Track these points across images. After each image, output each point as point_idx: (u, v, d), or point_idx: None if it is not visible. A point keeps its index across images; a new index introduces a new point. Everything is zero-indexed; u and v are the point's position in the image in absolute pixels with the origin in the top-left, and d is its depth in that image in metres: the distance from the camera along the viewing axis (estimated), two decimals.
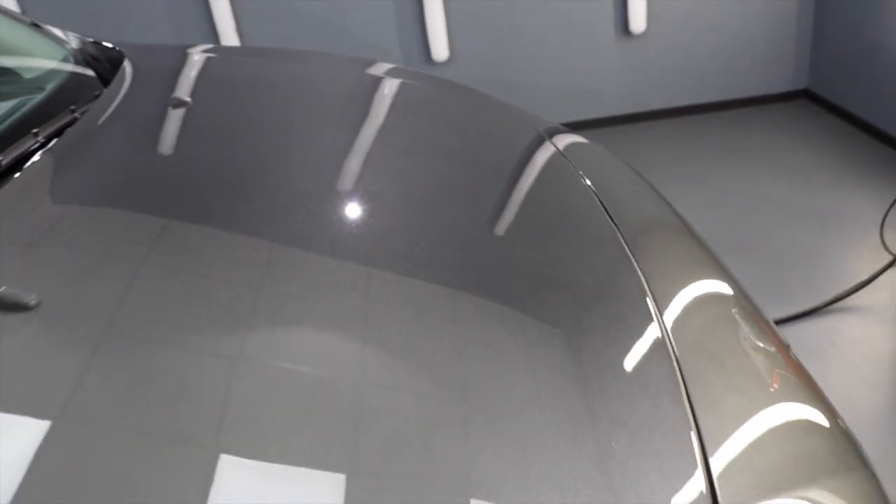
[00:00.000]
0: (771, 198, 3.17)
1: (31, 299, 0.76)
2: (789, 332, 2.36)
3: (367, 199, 1.08)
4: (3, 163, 0.99)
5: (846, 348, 2.28)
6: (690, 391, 0.83)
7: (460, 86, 1.74)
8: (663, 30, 3.83)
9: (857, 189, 3.11)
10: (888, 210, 2.61)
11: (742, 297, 1.12)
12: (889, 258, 2.51)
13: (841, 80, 3.77)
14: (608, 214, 1.20)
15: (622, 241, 1.13)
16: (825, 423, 0.90)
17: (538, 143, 1.47)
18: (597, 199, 1.25)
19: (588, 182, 1.31)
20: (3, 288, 0.77)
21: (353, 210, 1.04)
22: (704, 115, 4.03)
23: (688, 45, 3.90)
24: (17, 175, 0.99)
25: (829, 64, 3.85)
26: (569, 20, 3.77)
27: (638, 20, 3.76)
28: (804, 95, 4.07)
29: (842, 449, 0.87)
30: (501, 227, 1.11)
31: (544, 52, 3.81)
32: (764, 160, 3.49)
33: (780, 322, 2.40)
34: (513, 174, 1.32)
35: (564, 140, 1.53)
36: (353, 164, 1.18)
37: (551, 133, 1.55)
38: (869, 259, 2.60)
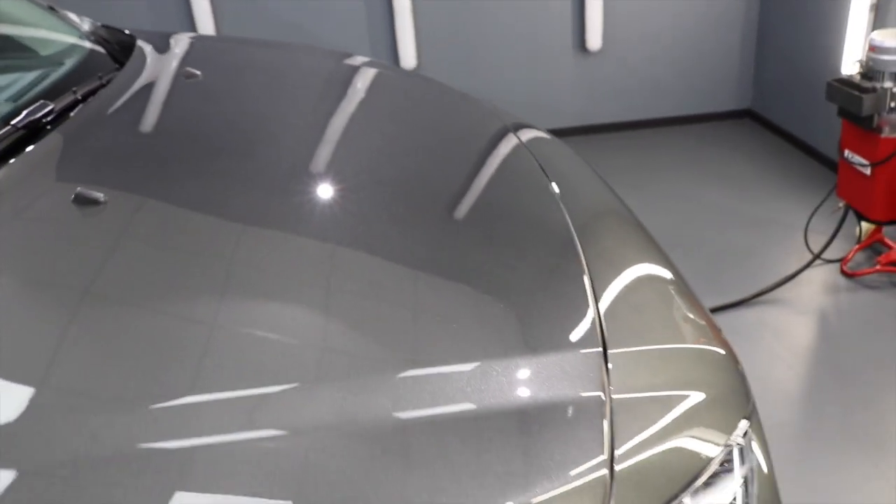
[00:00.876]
0: (712, 204, 3.44)
1: (101, 196, 0.98)
2: (720, 320, 2.60)
3: (335, 171, 1.25)
4: (51, 112, 1.18)
5: (769, 334, 2.54)
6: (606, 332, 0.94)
7: (434, 81, 1.95)
8: (618, 49, 4.11)
9: (788, 198, 3.41)
10: (811, 216, 2.89)
11: (680, 280, 1.19)
12: (810, 257, 2.79)
13: (780, 102, 4.09)
14: (560, 200, 1.30)
15: (570, 225, 1.21)
16: (729, 361, 1.06)
17: (503, 134, 1.58)
18: (552, 187, 1.34)
19: (545, 172, 1.41)
20: (80, 188, 0.99)
21: (321, 179, 1.21)
22: (655, 129, 4.32)
23: (640, 63, 4.18)
24: (61, 125, 1.18)
25: (770, 87, 4.17)
26: (530, 37, 4.03)
27: (594, 39, 4.03)
28: (747, 115, 4.38)
29: (736, 382, 1.02)
30: (460, 208, 1.22)
31: (507, 64, 4.06)
32: (708, 171, 3.78)
33: (712, 310, 2.65)
34: (475, 160, 1.43)
35: (528, 134, 1.62)
36: (328, 138, 1.35)
37: (517, 127, 1.64)
38: (794, 258, 2.88)
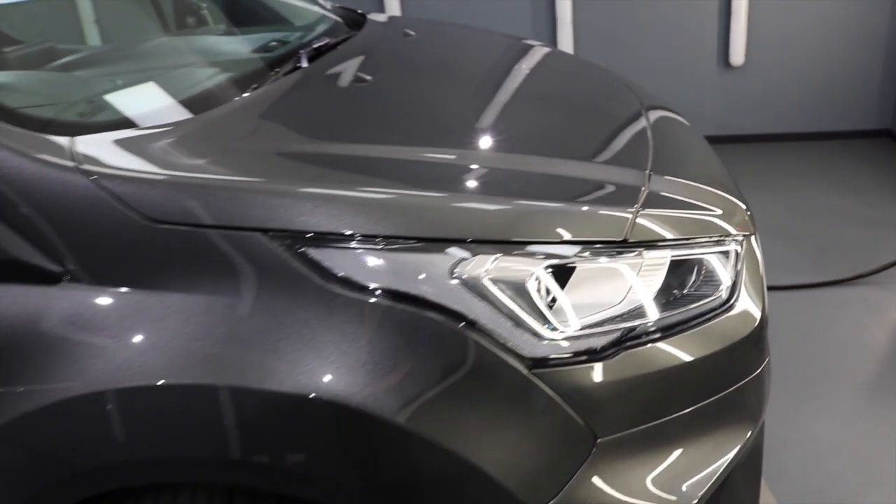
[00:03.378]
0: (833, 207, 3.75)
1: (368, 77, 1.63)
2: (819, 295, 2.97)
3: (493, 122, 1.74)
4: (315, 50, 1.82)
5: (862, 308, 2.87)
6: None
7: (590, 62, 2.45)
8: (760, 65, 4.47)
9: None
10: None
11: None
12: None
13: None
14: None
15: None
16: (741, 207, 1.44)
17: (633, 109, 1.87)
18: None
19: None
20: (357, 73, 1.64)
21: (483, 122, 1.68)
22: (791, 143, 4.62)
23: (781, 79, 4.51)
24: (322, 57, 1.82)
25: None
26: (677, 49, 4.47)
27: (737, 54, 4.41)
28: (887, 135, 4.59)
29: (744, 218, 1.40)
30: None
31: (654, 72, 4.51)
32: (835, 181, 4.06)
33: (814, 286, 3.01)
34: (590, 113, 1.82)
35: (657, 113, 1.85)
36: (494, 99, 1.86)
37: (650, 107, 1.85)
38: None
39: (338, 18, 2.27)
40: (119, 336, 1.08)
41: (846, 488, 2.06)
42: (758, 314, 1.31)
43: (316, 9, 2.35)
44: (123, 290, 1.09)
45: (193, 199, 1.09)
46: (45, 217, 1.09)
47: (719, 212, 1.37)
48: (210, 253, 1.07)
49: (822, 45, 4.42)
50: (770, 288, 2.84)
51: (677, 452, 1.24)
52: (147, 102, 1.38)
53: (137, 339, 1.07)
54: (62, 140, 1.15)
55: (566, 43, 4.41)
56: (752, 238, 1.43)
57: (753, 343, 1.32)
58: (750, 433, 1.33)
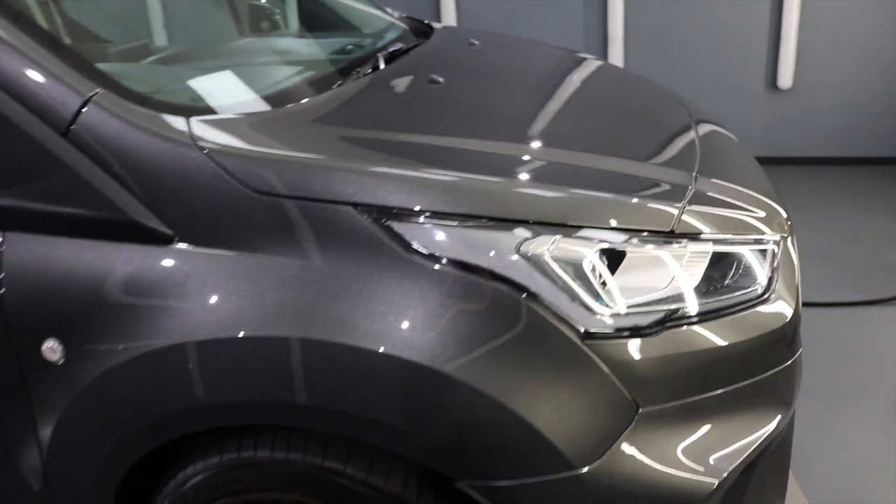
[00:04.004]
0: (876, 230, 3.81)
1: (441, 79, 1.77)
2: (863, 314, 3.04)
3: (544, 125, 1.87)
4: (390, 54, 1.97)
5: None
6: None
7: (641, 76, 2.58)
8: (808, 88, 4.54)
9: None
10: None
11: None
12: None
13: None
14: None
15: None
16: (781, 212, 1.56)
17: (683, 119, 2.00)
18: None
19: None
20: (431, 76, 1.79)
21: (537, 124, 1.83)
22: (837, 167, 4.67)
23: (828, 103, 4.58)
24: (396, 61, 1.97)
25: None
26: (725, 71, 4.56)
27: (786, 77, 4.49)
28: None
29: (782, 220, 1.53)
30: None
31: (704, 88, 4.60)
32: (880, 206, 4.12)
33: (852, 304, 3.08)
34: (643, 120, 1.96)
35: (705, 125, 1.95)
36: (554, 103, 1.99)
37: (698, 120, 1.96)
38: None
39: (405, 27, 2.43)
40: (219, 292, 1.24)
41: (875, 495, 2.14)
42: (790, 310, 1.42)
43: (384, 17, 2.52)
44: (226, 252, 1.25)
45: (292, 174, 1.25)
46: (162, 185, 1.26)
47: (760, 214, 1.49)
48: (304, 222, 1.23)
49: (869, 70, 4.48)
50: (812, 304, 2.96)
51: (709, 429, 1.35)
52: (246, 92, 1.55)
53: (236, 295, 1.23)
54: (179, 120, 1.32)
55: (616, 59, 4.54)
56: (789, 241, 1.54)
57: (785, 336, 1.42)
58: (780, 418, 1.43)
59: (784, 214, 1.60)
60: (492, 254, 1.22)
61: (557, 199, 1.33)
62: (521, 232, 1.24)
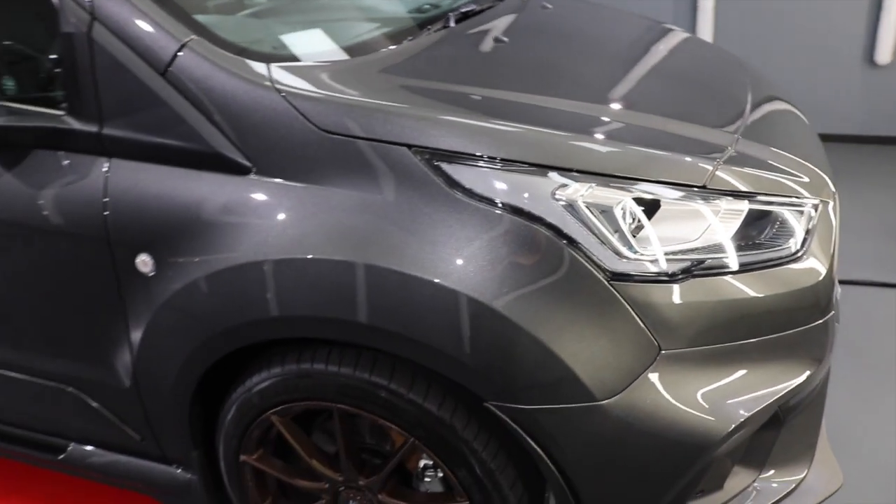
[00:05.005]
0: None
1: (505, 39, 1.90)
2: None
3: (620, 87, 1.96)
4: (461, 14, 2.07)
5: None
6: None
7: (711, 44, 2.60)
8: None
9: None
10: None
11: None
12: None
13: None
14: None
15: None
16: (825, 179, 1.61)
17: (741, 88, 1.97)
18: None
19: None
20: (497, 35, 1.90)
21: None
22: None
23: None
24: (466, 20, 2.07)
25: None
26: (821, 44, 4.44)
27: (885, 52, 4.34)
28: None
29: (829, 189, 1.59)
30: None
31: (796, 64, 4.51)
32: None
33: None
34: (698, 85, 1.99)
35: (767, 96, 1.98)
36: (613, 65, 2.01)
37: (762, 92, 1.99)
38: None
39: None
40: (289, 219, 1.40)
41: None
42: (822, 271, 1.48)
43: None
44: (296, 183, 1.41)
45: (358, 117, 1.40)
46: (244, 121, 1.43)
47: (802, 179, 1.55)
48: (365, 159, 1.37)
49: None
50: (870, 284, 2.94)
51: (732, 376, 1.43)
52: (322, 43, 1.71)
53: (303, 222, 1.39)
54: (260, 65, 1.48)
55: (705, 29, 4.49)
56: (830, 208, 1.59)
57: (816, 296, 1.48)
58: (808, 374, 1.49)
59: (829, 183, 1.64)
60: (530, 197, 1.34)
61: (594, 149, 1.44)
62: (558, 178, 1.35)
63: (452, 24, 1.96)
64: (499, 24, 2.04)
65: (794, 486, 1.65)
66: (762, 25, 4.49)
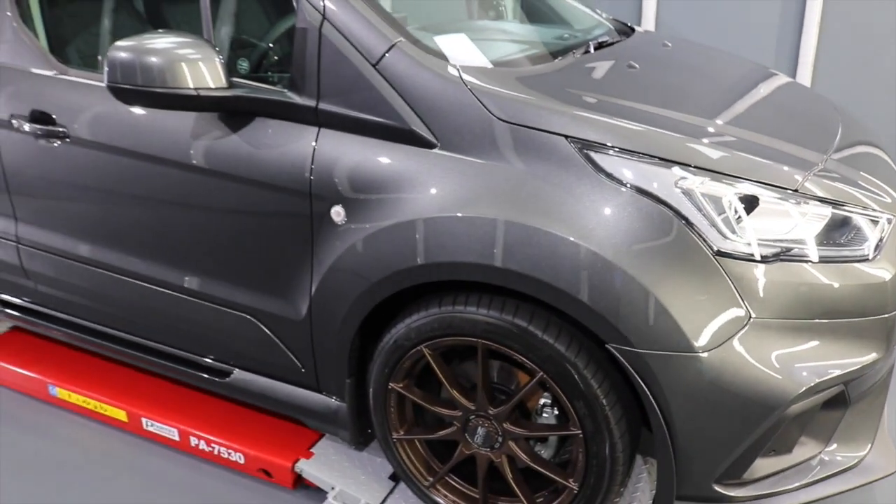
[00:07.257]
0: None
1: (636, 65, 2.27)
2: None
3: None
4: (598, 44, 2.44)
5: None
6: None
7: (808, 89, 2.91)
8: None
9: None
10: None
11: None
12: None
13: None
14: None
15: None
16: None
17: (833, 123, 2.26)
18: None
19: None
20: (629, 62, 2.26)
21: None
22: None
23: None
24: (602, 49, 2.44)
25: None
26: None
27: None
28: None
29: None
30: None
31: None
32: None
33: None
34: (796, 116, 2.32)
35: (858, 137, 2.28)
36: (728, 94, 2.33)
37: (853, 133, 2.28)
38: None
39: (610, 26, 2.91)
40: (464, 185, 1.79)
41: None
42: (889, 275, 1.78)
43: (594, 16, 3.01)
44: (471, 158, 1.80)
45: (527, 110, 1.80)
46: (436, 107, 1.84)
47: (878, 196, 1.87)
48: (530, 143, 1.76)
49: None
50: None
51: (808, 347, 1.74)
52: (499, 53, 2.14)
53: (475, 187, 1.78)
54: (453, 66, 1.89)
55: (804, 79, 4.76)
56: None
57: (884, 293, 1.78)
58: (874, 356, 1.78)
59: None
60: (657, 183, 1.70)
61: (709, 152, 1.80)
62: (679, 171, 1.72)
63: (592, 49, 2.35)
64: (629, 54, 2.42)
65: (856, 461, 1.93)
66: (861, 80, 4.71)
